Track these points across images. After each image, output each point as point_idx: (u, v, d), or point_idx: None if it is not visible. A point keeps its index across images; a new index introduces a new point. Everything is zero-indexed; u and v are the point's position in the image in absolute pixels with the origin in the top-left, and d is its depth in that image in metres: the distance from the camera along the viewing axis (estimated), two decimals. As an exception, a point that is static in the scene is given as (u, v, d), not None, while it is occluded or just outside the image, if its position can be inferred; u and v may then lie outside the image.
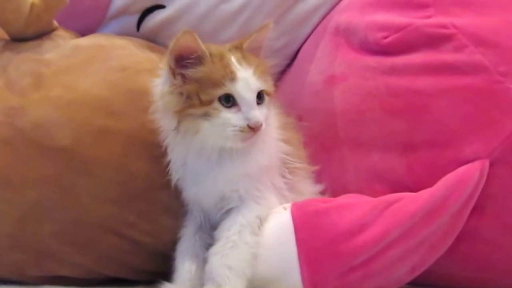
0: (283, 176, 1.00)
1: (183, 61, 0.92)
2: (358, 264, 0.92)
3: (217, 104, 0.90)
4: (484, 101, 0.96)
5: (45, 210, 1.03)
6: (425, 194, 0.94)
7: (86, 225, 1.04)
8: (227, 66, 0.92)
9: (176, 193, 1.02)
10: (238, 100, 0.91)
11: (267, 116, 0.94)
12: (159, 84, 0.95)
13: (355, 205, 0.95)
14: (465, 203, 0.95)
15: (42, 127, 1.03)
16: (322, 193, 1.06)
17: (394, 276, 0.95)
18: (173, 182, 1.00)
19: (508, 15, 1.00)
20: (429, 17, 1.02)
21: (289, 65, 1.30)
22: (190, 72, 0.91)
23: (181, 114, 0.91)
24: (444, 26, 1.00)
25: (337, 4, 1.25)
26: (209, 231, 0.99)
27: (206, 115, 0.90)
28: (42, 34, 1.15)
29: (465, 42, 0.98)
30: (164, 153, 1.00)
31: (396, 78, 1.03)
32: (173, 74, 0.92)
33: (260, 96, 0.93)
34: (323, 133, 1.11)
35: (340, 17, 1.18)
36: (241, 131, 0.90)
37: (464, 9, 1.01)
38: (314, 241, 0.91)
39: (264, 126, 0.92)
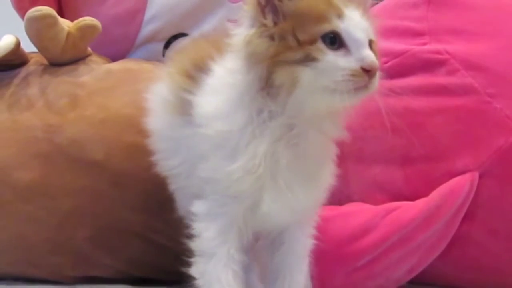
0: None
1: None
2: (362, 265, 0.97)
3: (320, 45, 0.68)
4: (474, 120, 1.00)
5: (80, 217, 1.08)
6: (421, 203, 0.99)
7: (117, 231, 1.09)
8: (331, 2, 0.70)
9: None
10: (347, 40, 0.69)
11: None
12: (242, 31, 0.72)
13: (359, 213, 1.00)
14: (457, 210, 0.99)
15: (77, 143, 1.09)
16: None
17: (394, 276, 1.00)
18: (243, 193, 0.75)
19: (496, 42, 1.04)
20: (425, 44, 1.07)
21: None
22: (285, 4, 0.69)
23: (274, 60, 0.68)
24: (438, 52, 1.05)
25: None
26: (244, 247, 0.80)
27: (306, 60, 0.68)
28: (78, 59, 1.20)
29: (457, 66, 1.03)
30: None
31: (395, 99, 0.99)
32: (263, 11, 0.70)
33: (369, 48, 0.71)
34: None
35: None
36: (354, 75, 0.68)
37: (456, 37, 1.06)
38: (322, 244, 0.89)
39: (378, 73, 0.71)
